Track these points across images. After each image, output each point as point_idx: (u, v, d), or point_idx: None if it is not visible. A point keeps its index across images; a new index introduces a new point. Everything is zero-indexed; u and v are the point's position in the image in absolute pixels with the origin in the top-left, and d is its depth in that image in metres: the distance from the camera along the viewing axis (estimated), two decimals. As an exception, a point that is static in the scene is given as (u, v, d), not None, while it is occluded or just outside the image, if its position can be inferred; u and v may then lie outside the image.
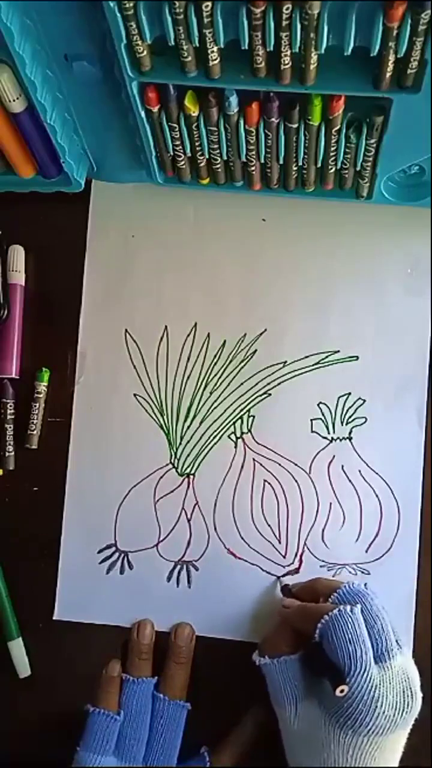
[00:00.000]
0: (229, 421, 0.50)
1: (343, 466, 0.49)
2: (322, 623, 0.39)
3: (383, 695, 0.38)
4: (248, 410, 0.50)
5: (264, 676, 0.43)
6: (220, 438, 0.50)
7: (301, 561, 0.49)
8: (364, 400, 0.50)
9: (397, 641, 0.40)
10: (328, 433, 0.50)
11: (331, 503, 0.49)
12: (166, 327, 0.51)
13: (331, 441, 0.50)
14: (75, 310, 0.52)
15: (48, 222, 0.53)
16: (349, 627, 0.39)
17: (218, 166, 0.46)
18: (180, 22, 0.34)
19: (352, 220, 0.51)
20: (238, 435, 0.50)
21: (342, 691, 0.37)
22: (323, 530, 0.49)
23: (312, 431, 0.50)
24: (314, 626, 0.40)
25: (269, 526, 0.49)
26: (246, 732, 0.46)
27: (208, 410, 0.51)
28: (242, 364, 0.51)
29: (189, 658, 0.48)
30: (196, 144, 0.44)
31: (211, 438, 0.50)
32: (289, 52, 0.35)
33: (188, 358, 0.51)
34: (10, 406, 0.51)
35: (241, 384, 0.51)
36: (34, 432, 0.51)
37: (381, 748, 0.38)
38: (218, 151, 0.44)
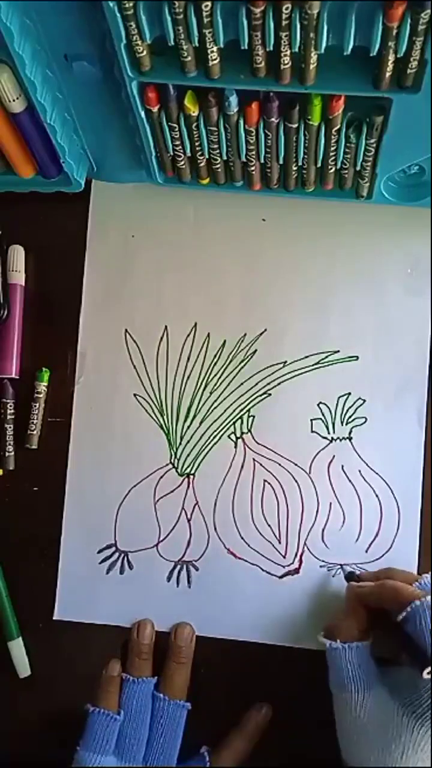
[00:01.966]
0: (229, 421, 0.50)
1: (343, 466, 0.49)
2: (414, 606, 0.39)
3: None
4: (248, 410, 0.50)
5: (328, 661, 0.43)
6: (220, 438, 0.50)
7: (301, 561, 0.49)
8: (364, 400, 0.50)
9: None
10: (328, 433, 0.50)
11: (331, 503, 0.49)
12: (166, 327, 0.51)
13: (331, 441, 0.50)
14: (75, 310, 0.52)
15: (48, 222, 0.53)
16: None
17: (218, 166, 0.46)
18: (180, 22, 0.34)
19: (352, 220, 0.51)
20: (238, 435, 0.50)
21: (430, 672, 0.36)
22: (323, 530, 0.49)
23: (312, 431, 0.50)
24: (401, 606, 0.39)
25: (269, 526, 0.49)
26: (246, 732, 0.46)
27: (208, 410, 0.51)
28: (242, 364, 0.51)
29: (189, 658, 0.48)
30: (196, 144, 0.44)
31: (211, 438, 0.50)
32: (288, 52, 0.35)
33: (188, 358, 0.51)
34: (10, 406, 0.51)
35: (241, 384, 0.51)
36: (34, 432, 0.51)
37: None
38: (218, 151, 0.44)
